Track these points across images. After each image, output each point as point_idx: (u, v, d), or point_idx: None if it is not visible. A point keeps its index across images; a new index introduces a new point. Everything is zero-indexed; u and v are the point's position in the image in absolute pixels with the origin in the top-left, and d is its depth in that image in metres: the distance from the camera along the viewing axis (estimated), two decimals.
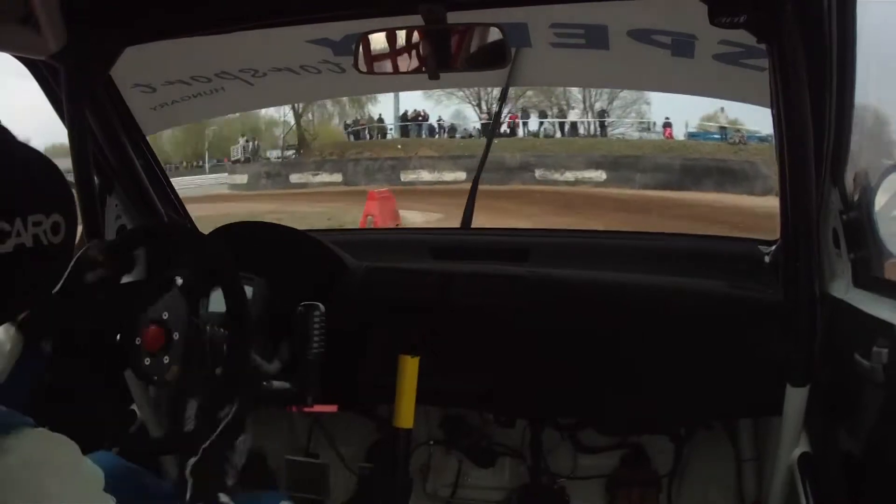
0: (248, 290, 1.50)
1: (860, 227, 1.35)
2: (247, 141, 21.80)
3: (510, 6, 1.74)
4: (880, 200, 1.34)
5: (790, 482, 1.49)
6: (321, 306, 1.43)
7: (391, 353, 1.58)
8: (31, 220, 0.74)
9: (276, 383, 1.41)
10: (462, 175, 16.52)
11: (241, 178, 20.65)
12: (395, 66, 1.51)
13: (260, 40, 2.09)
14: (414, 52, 1.49)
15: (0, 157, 0.75)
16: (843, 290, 1.38)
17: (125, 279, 1.71)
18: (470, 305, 1.69)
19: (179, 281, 1.36)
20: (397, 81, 2.61)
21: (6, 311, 0.81)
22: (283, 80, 2.42)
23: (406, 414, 1.57)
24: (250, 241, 1.64)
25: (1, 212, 0.72)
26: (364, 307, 1.70)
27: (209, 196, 15.49)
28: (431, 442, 2.03)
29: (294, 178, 20.24)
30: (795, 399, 1.41)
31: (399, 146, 20.40)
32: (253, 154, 21.88)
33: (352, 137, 21.72)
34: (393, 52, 1.50)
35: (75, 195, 1.66)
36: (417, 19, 1.41)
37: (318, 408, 1.47)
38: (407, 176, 18.91)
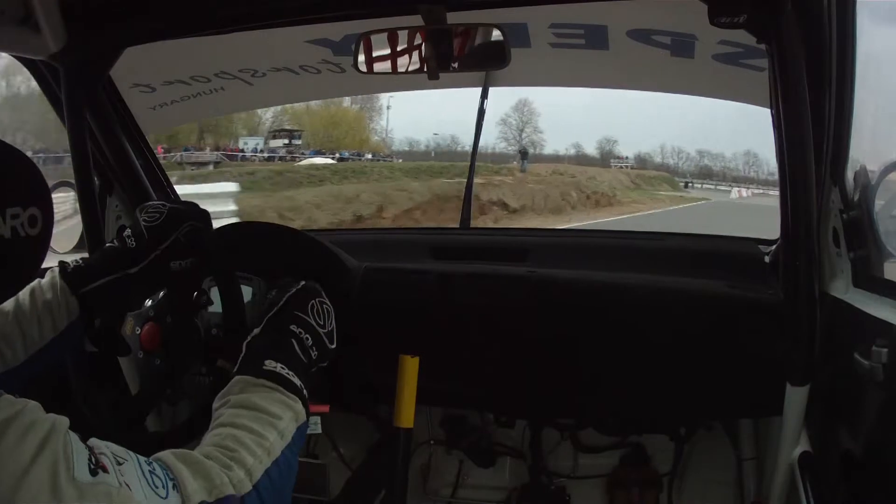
0: (248, 290, 1.49)
1: (860, 226, 1.35)
2: None
3: (510, 6, 1.74)
4: (880, 200, 1.34)
5: (791, 481, 1.49)
6: None
7: (391, 353, 1.57)
8: (9, 213, 0.77)
9: None
10: None
11: None
12: (395, 66, 1.51)
13: (260, 40, 2.09)
14: (414, 52, 1.49)
15: None
16: (843, 289, 1.38)
17: None
18: (470, 305, 1.68)
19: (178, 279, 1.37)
20: (397, 81, 2.61)
21: None
22: (283, 80, 2.41)
23: (406, 414, 1.57)
24: (250, 241, 1.64)
25: None
26: (364, 307, 1.70)
27: None
28: (432, 442, 2.04)
29: None
30: (795, 398, 1.41)
31: None
32: None
33: None
34: (393, 53, 1.50)
35: (76, 195, 1.67)
36: (417, 19, 1.41)
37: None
38: None
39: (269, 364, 0.95)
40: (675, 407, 1.65)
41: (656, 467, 1.91)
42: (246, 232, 1.79)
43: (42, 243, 0.83)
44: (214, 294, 1.40)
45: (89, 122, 1.64)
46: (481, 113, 2.43)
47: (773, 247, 1.70)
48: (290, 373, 0.96)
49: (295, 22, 1.76)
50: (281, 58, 2.31)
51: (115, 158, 1.77)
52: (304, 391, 0.97)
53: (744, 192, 29.90)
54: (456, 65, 1.50)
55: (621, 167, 32.34)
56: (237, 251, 1.32)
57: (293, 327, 1.03)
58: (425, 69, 1.48)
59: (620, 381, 1.59)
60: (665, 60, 2.09)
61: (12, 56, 1.50)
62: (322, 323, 1.08)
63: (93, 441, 0.72)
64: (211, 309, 1.43)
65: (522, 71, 2.39)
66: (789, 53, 1.19)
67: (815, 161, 1.26)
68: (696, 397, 1.58)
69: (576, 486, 1.96)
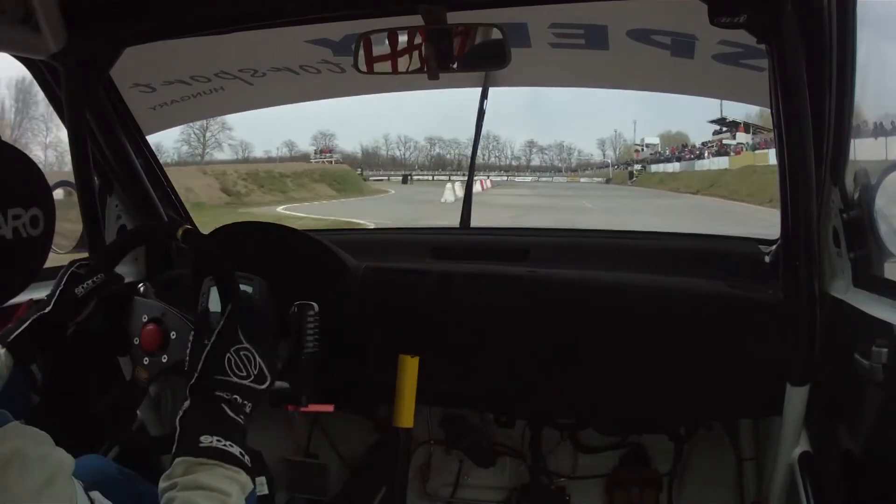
0: (248, 291, 1.49)
1: (860, 226, 1.35)
2: None
3: (510, 6, 1.75)
4: (880, 200, 1.34)
5: (790, 481, 1.49)
6: (315, 305, 1.42)
7: (391, 352, 1.57)
8: (11, 214, 0.77)
9: (277, 383, 1.41)
10: None
11: None
12: (395, 66, 1.51)
13: (260, 40, 2.09)
14: (414, 52, 1.49)
15: None
16: (843, 289, 1.38)
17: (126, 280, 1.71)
18: (470, 305, 1.68)
19: (178, 280, 1.37)
20: (396, 81, 2.61)
21: None
22: (283, 80, 2.42)
23: (406, 414, 1.57)
24: (250, 241, 1.64)
25: None
26: (364, 307, 1.70)
27: None
28: (432, 442, 2.04)
29: None
30: (795, 398, 1.42)
31: None
32: None
33: None
34: (393, 52, 1.50)
35: (76, 195, 1.67)
36: (417, 19, 1.41)
37: (313, 407, 1.46)
38: None
39: (205, 440, 0.93)
40: (676, 407, 1.65)
41: (656, 467, 1.92)
42: (245, 232, 1.79)
43: (44, 244, 0.82)
44: (215, 294, 1.40)
45: (89, 122, 1.64)
46: (481, 113, 2.44)
47: (773, 247, 1.70)
48: (227, 443, 0.94)
49: (295, 22, 1.76)
50: (281, 58, 2.31)
51: (115, 158, 1.77)
52: (245, 457, 0.95)
53: (486, 183, 25.94)
54: (456, 65, 1.50)
55: (324, 161, 32.79)
56: (236, 251, 1.32)
57: (219, 393, 1.00)
58: (425, 69, 1.48)
59: (620, 381, 1.59)
60: (665, 60, 2.10)
61: (12, 56, 1.50)
62: (245, 373, 1.04)
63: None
64: (213, 308, 1.43)
65: (522, 71, 2.40)
66: (789, 53, 1.19)
67: (815, 161, 1.26)
68: (696, 397, 1.58)
69: (576, 486, 1.96)
